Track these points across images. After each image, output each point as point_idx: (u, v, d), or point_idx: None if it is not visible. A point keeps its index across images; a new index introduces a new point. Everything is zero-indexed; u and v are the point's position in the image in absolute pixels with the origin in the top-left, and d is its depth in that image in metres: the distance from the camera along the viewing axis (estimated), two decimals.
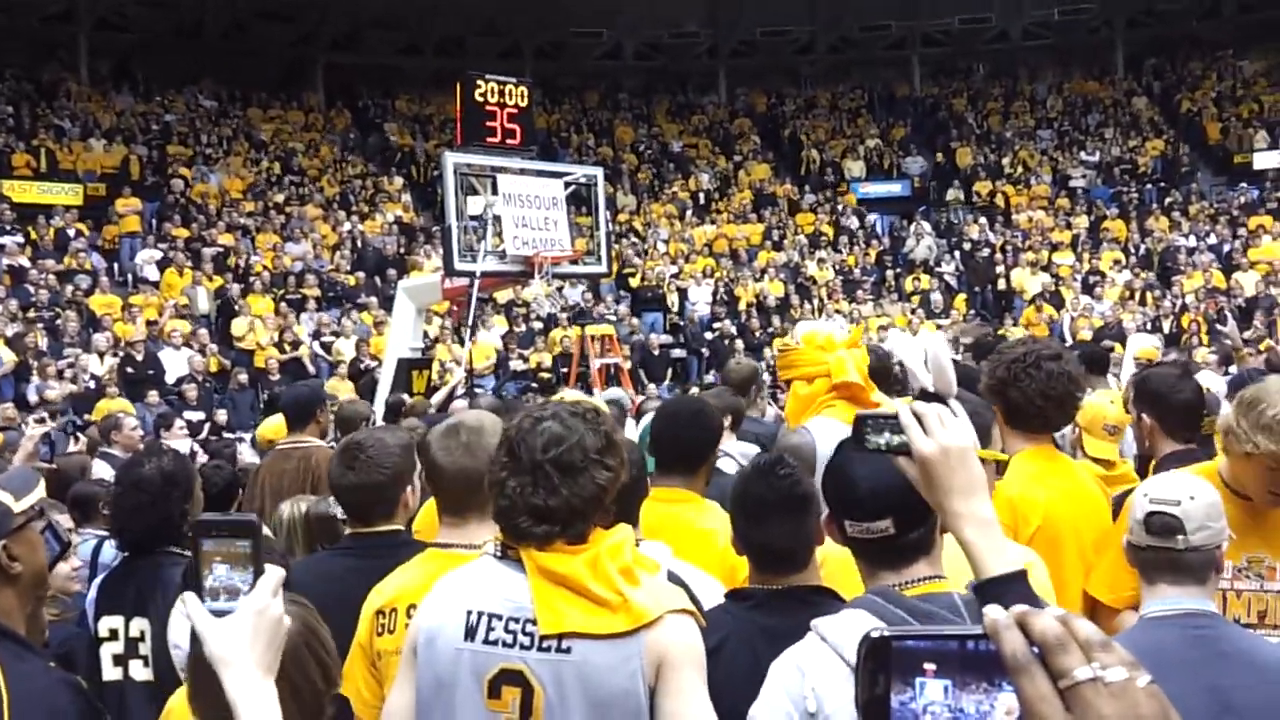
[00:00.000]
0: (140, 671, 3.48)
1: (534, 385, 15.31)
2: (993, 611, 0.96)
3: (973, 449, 1.77)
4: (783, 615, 2.31)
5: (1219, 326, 17.25)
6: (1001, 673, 0.95)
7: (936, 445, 1.74)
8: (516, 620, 2.19)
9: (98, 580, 3.79)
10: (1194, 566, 2.50)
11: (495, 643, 2.19)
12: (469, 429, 2.95)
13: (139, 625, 3.50)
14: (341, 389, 15.01)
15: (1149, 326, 19.46)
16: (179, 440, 10.55)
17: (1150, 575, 2.52)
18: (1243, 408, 2.99)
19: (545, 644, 2.15)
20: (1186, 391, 3.87)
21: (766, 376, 10.39)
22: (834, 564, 2.56)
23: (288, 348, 17.71)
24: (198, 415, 14.77)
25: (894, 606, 1.81)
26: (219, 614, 1.64)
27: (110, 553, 4.48)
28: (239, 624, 1.63)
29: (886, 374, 4.87)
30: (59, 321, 16.93)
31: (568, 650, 2.15)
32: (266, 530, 3.94)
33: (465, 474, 2.87)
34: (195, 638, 1.98)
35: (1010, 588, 1.68)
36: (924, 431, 1.76)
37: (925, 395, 3.06)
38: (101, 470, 7.43)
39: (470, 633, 2.21)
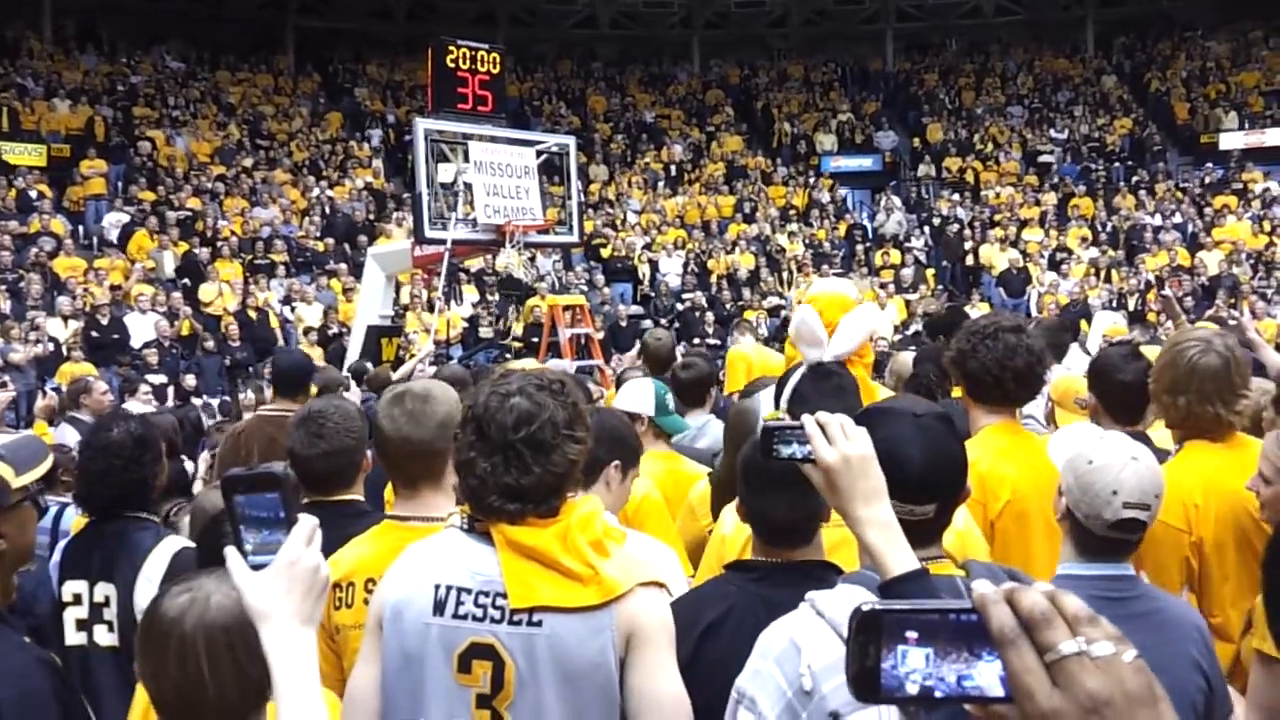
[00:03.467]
0: (104, 636, 3.47)
1: (507, 355, 15.26)
2: (981, 586, 0.98)
3: (874, 457, 1.83)
4: (788, 588, 2.26)
5: (1164, 293, 17.43)
6: (982, 643, 0.97)
7: (839, 454, 1.82)
8: (486, 594, 2.17)
9: (61, 544, 3.76)
10: (1134, 547, 2.58)
11: (465, 617, 2.17)
12: (415, 397, 2.91)
13: (104, 590, 3.48)
14: (311, 355, 14.92)
15: (1114, 304, 19.64)
16: (143, 405, 10.44)
17: (1092, 555, 2.54)
18: None
19: (516, 617, 2.14)
20: (1127, 373, 3.84)
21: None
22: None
23: (252, 314, 17.55)
24: (160, 379, 14.62)
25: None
26: (257, 568, 1.65)
27: (72, 518, 4.43)
28: (274, 576, 1.63)
29: None
30: (22, 284, 16.72)
31: (539, 623, 2.13)
32: None
33: (409, 443, 2.85)
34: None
35: (914, 585, 1.75)
36: (827, 441, 1.83)
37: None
38: (66, 435, 7.34)
39: (439, 607, 2.19)
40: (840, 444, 1.82)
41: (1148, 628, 2.39)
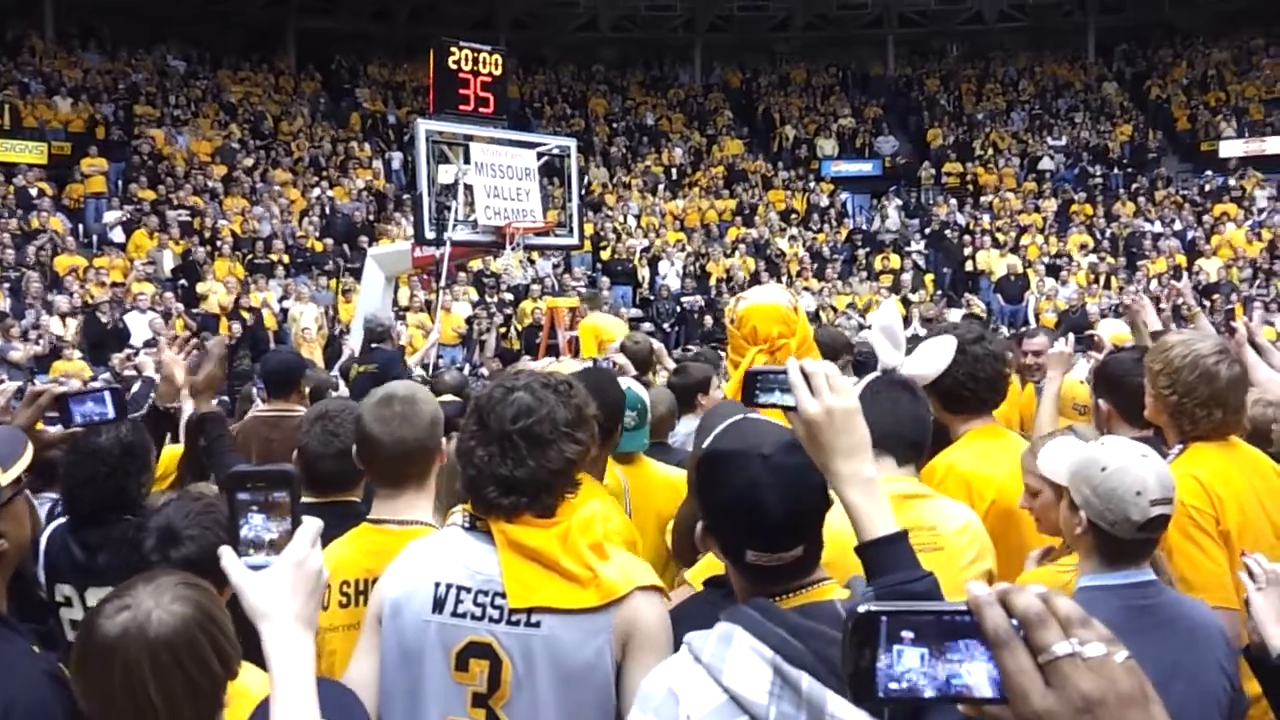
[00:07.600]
0: None
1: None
2: (976, 588, 0.99)
3: (858, 410, 1.79)
4: None
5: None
6: (975, 644, 0.98)
7: (821, 406, 1.78)
8: (485, 593, 2.17)
9: (44, 546, 3.71)
10: (1155, 546, 2.57)
11: (464, 615, 2.17)
12: (402, 399, 2.89)
13: (97, 595, 3.44)
14: (311, 356, 14.92)
15: (1114, 311, 19.61)
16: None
17: (1119, 561, 2.51)
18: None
19: (514, 618, 2.14)
20: (1141, 376, 3.88)
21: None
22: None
23: (246, 314, 17.51)
24: (158, 377, 14.52)
25: (773, 624, 1.69)
26: (256, 568, 1.63)
27: None
28: (278, 577, 1.61)
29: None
30: (22, 282, 16.70)
31: (537, 624, 2.14)
32: None
33: (404, 443, 2.84)
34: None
35: (894, 548, 1.73)
36: (810, 392, 1.79)
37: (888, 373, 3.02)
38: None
39: (439, 605, 2.19)
40: (824, 396, 1.78)
41: (1180, 632, 2.42)
